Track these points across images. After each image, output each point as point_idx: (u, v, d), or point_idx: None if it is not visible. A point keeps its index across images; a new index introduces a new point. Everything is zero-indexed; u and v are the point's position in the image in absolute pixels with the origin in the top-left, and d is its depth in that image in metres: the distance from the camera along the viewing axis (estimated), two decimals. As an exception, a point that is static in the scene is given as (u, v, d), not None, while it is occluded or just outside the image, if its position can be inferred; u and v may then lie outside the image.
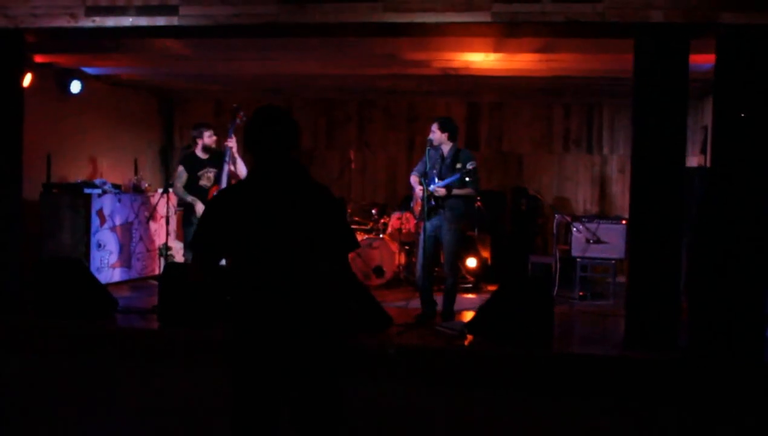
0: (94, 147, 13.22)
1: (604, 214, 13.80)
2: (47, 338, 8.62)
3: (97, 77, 12.83)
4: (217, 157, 10.15)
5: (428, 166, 9.19)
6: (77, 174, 12.51)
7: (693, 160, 12.71)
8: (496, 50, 9.82)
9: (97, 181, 11.67)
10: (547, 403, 7.33)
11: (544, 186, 14.42)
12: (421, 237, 9.17)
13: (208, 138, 10.24)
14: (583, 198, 14.48)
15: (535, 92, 13.47)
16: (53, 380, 7.73)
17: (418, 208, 9.36)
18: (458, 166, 9.04)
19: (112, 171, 13.38)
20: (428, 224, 9.03)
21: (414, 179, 9.42)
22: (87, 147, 13.07)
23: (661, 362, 7.66)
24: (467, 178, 8.93)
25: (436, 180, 9.08)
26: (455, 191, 9.04)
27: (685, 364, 7.65)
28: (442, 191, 8.96)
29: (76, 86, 12.29)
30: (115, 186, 11.83)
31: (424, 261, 9.16)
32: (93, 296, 9.10)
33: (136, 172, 12.71)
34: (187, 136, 14.64)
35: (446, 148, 9.21)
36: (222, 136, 10.28)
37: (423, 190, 9.00)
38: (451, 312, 9.32)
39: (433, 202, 9.04)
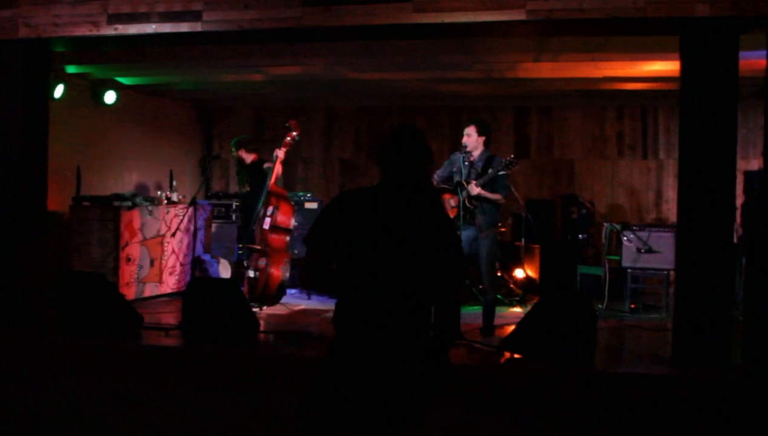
0: (129, 158, 13.12)
1: (660, 222, 13.23)
2: (66, 355, 8.36)
3: (132, 87, 12.66)
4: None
5: (463, 173, 8.74)
6: (111, 186, 12.38)
7: (754, 164, 12.18)
8: (538, 52, 9.37)
9: (128, 193, 11.41)
10: (580, 425, 6.85)
11: (596, 193, 13.97)
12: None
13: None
14: (638, 205, 13.97)
15: (586, 96, 13.00)
16: (68, 398, 7.48)
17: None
18: (490, 171, 8.62)
19: (147, 182, 13.19)
20: (463, 234, 8.58)
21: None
22: (122, 158, 12.98)
23: (711, 381, 7.13)
24: (502, 173, 8.61)
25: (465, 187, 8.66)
26: (486, 196, 8.68)
27: (738, 384, 7.10)
28: (477, 190, 8.58)
29: (110, 97, 12.15)
30: (147, 198, 11.59)
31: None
32: (116, 312, 8.82)
33: (171, 184, 12.45)
34: (226, 146, 14.52)
35: (477, 153, 8.81)
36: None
37: (458, 198, 8.58)
38: (491, 327, 8.87)
39: (469, 207, 8.60)
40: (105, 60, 10.77)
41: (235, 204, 13.44)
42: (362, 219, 3.95)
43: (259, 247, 10.55)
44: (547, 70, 10.41)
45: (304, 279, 4.08)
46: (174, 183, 12.48)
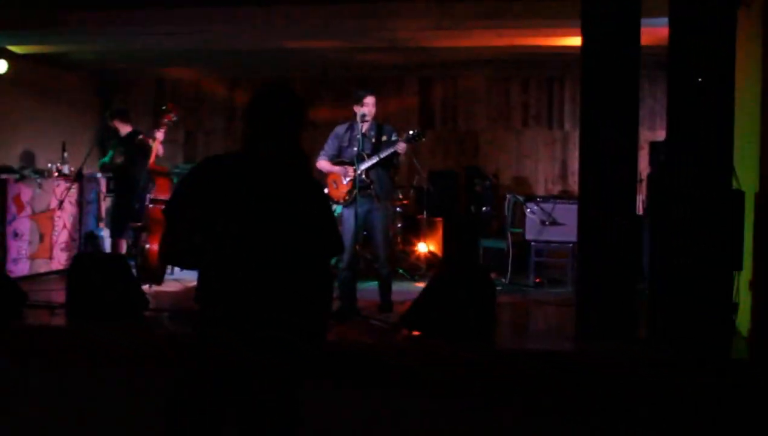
0: (21, 130, 12.52)
1: (566, 194, 13.02)
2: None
3: (25, 56, 12.00)
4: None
5: (360, 145, 8.35)
6: (4, 158, 11.70)
7: (661, 135, 12.04)
8: (439, 18, 9.02)
9: (16, 165, 10.82)
10: (479, 404, 6.52)
11: (501, 165, 13.72)
12: (348, 223, 8.34)
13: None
14: (543, 177, 13.74)
15: (491, 65, 12.73)
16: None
17: (340, 193, 8.50)
18: (384, 139, 8.29)
19: (40, 155, 12.57)
20: (359, 209, 8.20)
21: (326, 164, 8.61)
22: (13, 130, 12.36)
23: (614, 355, 6.89)
24: (398, 150, 8.23)
25: (365, 158, 8.30)
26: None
27: (642, 357, 6.87)
28: (403, 146, 8.30)
29: (1, 66, 11.44)
30: (36, 171, 11.04)
31: (351, 250, 8.32)
32: (-5, 289, 8.27)
33: (63, 156, 11.84)
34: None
35: (366, 123, 8.42)
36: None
37: (354, 171, 8.21)
38: (389, 303, 8.53)
39: (366, 180, 8.25)
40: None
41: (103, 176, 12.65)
42: (225, 188, 3.54)
43: (140, 223, 10.28)
44: (450, 38, 10.08)
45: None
46: (66, 155, 11.86)
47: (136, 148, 10.59)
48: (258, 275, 3.49)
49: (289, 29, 10.13)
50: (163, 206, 3.68)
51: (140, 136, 10.65)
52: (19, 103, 12.56)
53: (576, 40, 7.54)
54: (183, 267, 4.07)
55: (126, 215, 10.54)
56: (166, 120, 10.33)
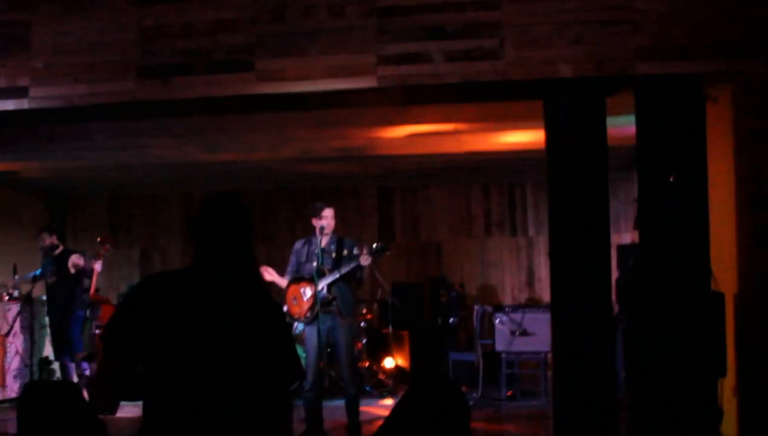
0: None
1: (534, 302, 12.73)
2: None
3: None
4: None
5: (319, 259, 8.03)
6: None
7: (627, 237, 11.86)
8: (395, 122, 8.75)
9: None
10: None
11: (466, 274, 13.42)
12: (311, 341, 7.97)
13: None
14: (510, 286, 13.46)
15: (450, 172, 12.54)
16: None
17: (301, 310, 8.13)
18: (345, 253, 7.98)
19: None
20: (321, 327, 7.83)
21: (278, 277, 8.29)
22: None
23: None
24: (362, 263, 7.90)
25: (326, 274, 7.97)
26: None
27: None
28: (368, 260, 8.06)
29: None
30: (-15, 294, 10.58)
31: (315, 370, 7.93)
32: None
33: (14, 279, 11.40)
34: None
35: (325, 238, 8.12)
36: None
37: (314, 287, 7.87)
38: (357, 424, 8.10)
39: (327, 296, 7.90)
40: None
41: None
42: (167, 310, 3.13)
43: (85, 352, 10.01)
44: (407, 145, 9.83)
45: (101, 386, 3.07)
46: (17, 278, 11.41)
47: (69, 269, 10.35)
48: (206, 417, 3.05)
49: (239, 141, 9.85)
50: (102, 332, 3.27)
51: (75, 259, 10.37)
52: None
53: (539, 141, 7.29)
54: (124, 399, 3.60)
55: (64, 337, 10.15)
56: (103, 251, 10.21)
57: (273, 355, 3.20)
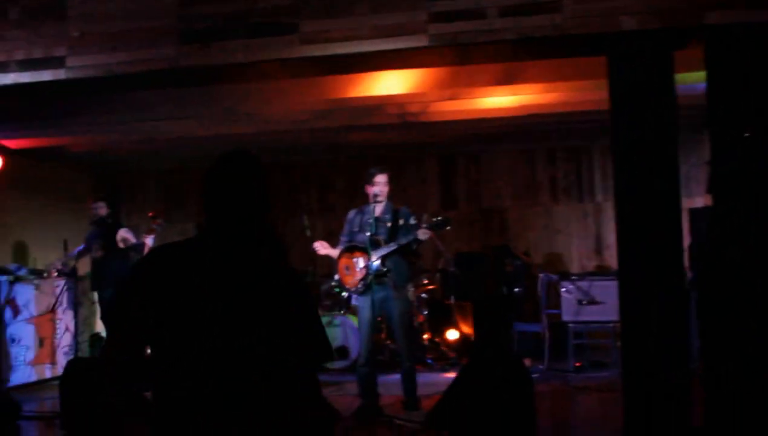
0: (18, 229, 12.07)
1: (602, 269, 12.27)
2: None
3: (19, 152, 11.48)
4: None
5: (374, 229, 7.71)
6: (1, 258, 11.27)
7: (699, 201, 11.38)
8: (451, 84, 8.35)
9: (12, 266, 10.39)
10: None
11: (531, 242, 12.99)
12: (363, 313, 7.68)
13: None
14: (578, 254, 13.00)
15: (513, 137, 12.13)
16: None
17: (352, 280, 7.83)
18: (401, 223, 7.63)
19: (42, 254, 12.03)
20: (374, 298, 7.52)
21: (331, 249, 8.05)
22: (10, 230, 11.92)
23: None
24: (420, 237, 7.54)
25: (380, 244, 7.65)
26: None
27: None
28: (427, 234, 7.69)
29: (-5, 164, 10.97)
30: (33, 271, 10.54)
31: (368, 343, 7.64)
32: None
33: (65, 255, 11.30)
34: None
35: (381, 206, 7.78)
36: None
37: (367, 257, 7.57)
38: (414, 399, 7.79)
39: (381, 270, 7.58)
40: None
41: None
42: (176, 285, 2.78)
43: None
44: (464, 109, 9.43)
45: (107, 371, 2.76)
46: (67, 254, 11.31)
47: (117, 244, 10.26)
48: (220, 396, 2.72)
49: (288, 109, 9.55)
50: (105, 312, 2.95)
51: (124, 233, 10.28)
52: (15, 202, 12.13)
53: (604, 101, 6.86)
54: (131, 386, 3.25)
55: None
56: (154, 225, 9.95)
57: (296, 331, 2.84)
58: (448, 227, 7.82)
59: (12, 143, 11.05)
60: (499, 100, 9.07)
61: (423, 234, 7.59)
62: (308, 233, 9.76)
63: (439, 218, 7.77)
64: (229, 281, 2.79)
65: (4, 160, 11.05)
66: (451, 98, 8.96)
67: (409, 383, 7.80)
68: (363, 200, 8.00)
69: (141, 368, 2.85)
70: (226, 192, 2.89)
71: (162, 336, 2.76)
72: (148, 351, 2.85)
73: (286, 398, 2.80)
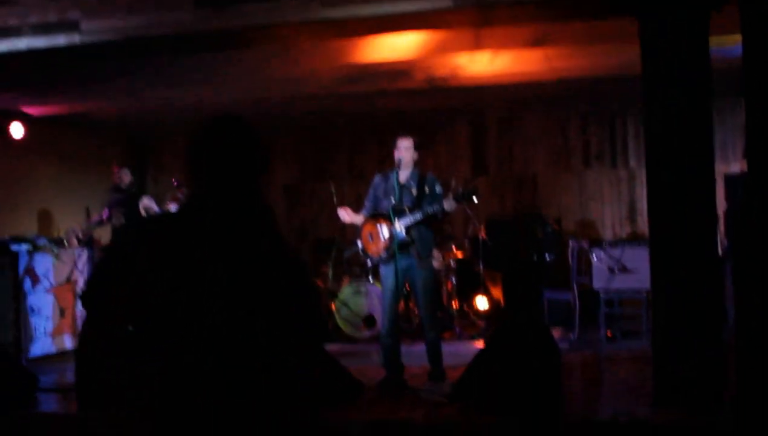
0: (40, 197, 12.05)
1: (635, 236, 12.03)
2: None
3: (43, 119, 11.39)
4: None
5: (398, 196, 7.51)
6: (25, 227, 11.26)
7: (735, 167, 11.10)
8: (478, 47, 8.12)
9: (33, 235, 10.28)
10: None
11: (563, 208, 12.78)
12: (387, 282, 7.51)
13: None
14: (610, 220, 12.77)
15: (545, 102, 11.92)
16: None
17: (376, 248, 7.65)
18: (427, 191, 7.42)
19: (64, 222, 11.95)
20: (398, 267, 7.34)
21: (355, 216, 7.84)
22: (32, 197, 11.91)
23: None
24: (445, 208, 7.32)
25: (405, 212, 7.44)
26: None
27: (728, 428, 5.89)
28: (453, 205, 7.41)
29: (17, 130, 10.84)
30: (53, 240, 10.42)
31: (391, 313, 7.48)
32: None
33: (87, 223, 11.19)
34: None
35: (405, 172, 7.58)
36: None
37: (391, 225, 7.38)
38: (440, 371, 7.62)
39: (406, 238, 7.39)
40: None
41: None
42: (160, 260, 2.64)
43: None
44: (493, 73, 9.20)
45: (84, 353, 2.58)
46: (88, 222, 11.20)
47: (139, 212, 9.98)
48: (210, 377, 2.59)
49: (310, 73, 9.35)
50: (83, 291, 2.79)
51: (147, 202, 10.03)
52: (38, 169, 12.09)
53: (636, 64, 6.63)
54: (114, 368, 3.05)
55: None
56: (179, 194, 9.75)
57: (288, 308, 2.70)
58: (475, 199, 7.55)
59: (34, 110, 10.98)
60: (528, 63, 8.85)
61: (448, 205, 7.36)
62: (335, 199, 9.62)
63: (467, 188, 7.53)
64: (215, 252, 2.64)
65: (27, 129, 10.98)
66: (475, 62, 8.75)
67: (434, 354, 7.64)
68: (392, 166, 7.78)
69: (119, 351, 2.71)
70: (214, 159, 2.72)
71: (159, 313, 2.62)
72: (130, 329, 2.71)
73: (284, 377, 2.67)
